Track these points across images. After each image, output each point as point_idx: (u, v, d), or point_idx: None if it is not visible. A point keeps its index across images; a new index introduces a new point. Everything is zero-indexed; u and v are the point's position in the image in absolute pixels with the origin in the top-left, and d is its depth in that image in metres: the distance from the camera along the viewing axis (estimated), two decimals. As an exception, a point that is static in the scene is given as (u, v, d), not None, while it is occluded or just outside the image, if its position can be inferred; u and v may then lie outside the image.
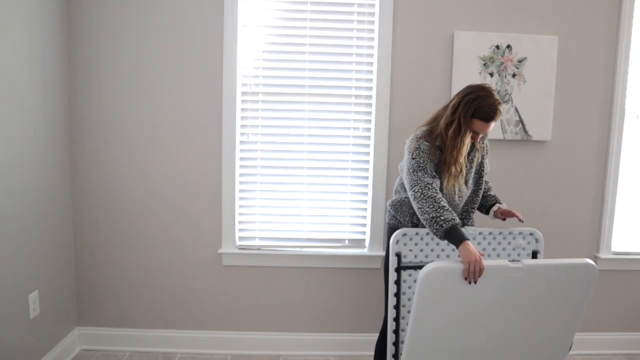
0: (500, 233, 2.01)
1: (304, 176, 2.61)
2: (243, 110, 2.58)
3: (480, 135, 1.91)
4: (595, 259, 2.69)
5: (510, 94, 2.53)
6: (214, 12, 2.47)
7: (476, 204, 2.09)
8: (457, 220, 1.69)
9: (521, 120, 2.55)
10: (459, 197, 1.97)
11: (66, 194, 2.52)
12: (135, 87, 2.51)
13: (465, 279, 1.56)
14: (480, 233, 2.00)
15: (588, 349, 2.75)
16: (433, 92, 2.55)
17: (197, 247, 2.62)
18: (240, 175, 2.61)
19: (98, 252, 2.61)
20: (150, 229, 2.60)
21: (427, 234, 1.88)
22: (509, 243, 2.01)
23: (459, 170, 1.85)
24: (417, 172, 1.81)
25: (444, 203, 1.73)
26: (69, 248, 2.57)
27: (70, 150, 2.54)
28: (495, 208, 2.08)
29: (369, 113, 2.59)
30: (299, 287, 2.66)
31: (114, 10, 2.46)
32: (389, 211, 2.10)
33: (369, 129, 2.59)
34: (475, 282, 1.55)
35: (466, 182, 2.00)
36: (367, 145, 2.60)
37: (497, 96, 1.84)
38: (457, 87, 2.50)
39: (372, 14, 2.52)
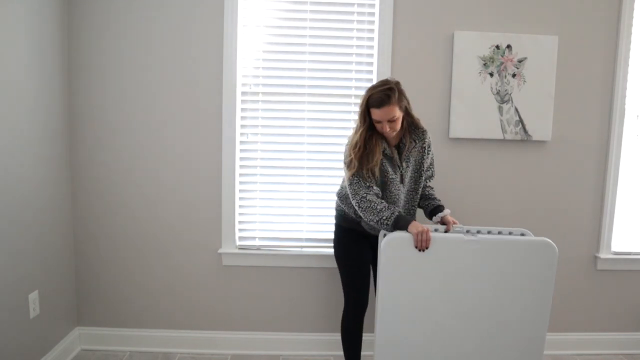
0: (489, 232, 1.98)
1: (304, 176, 2.61)
2: (243, 110, 2.58)
3: (391, 124, 1.91)
4: (595, 259, 2.70)
5: (510, 94, 2.53)
6: (214, 12, 2.48)
7: (416, 201, 2.11)
8: (396, 211, 1.90)
9: (521, 120, 2.55)
10: (395, 191, 2.02)
11: (66, 194, 2.52)
12: (135, 86, 2.51)
13: (417, 248, 1.79)
14: (467, 231, 1.97)
15: (588, 349, 2.75)
16: (433, 92, 2.55)
17: (197, 247, 2.62)
18: (240, 175, 2.61)
19: (98, 252, 2.61)
20: (150, 229, 2.60)
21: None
22: None
23: (360, 153, 1.93)
24: (353, 185, 1.97)
25: (380, 205, 1.90)
26: (69, 248, 2.57)
27: (70, 150, 2.54)
28: (442, 214, 2.06)
29: (369, 113, 2.59)
30: (299, 287, 2.66)
31: (114, 9, 2.46)
32: (336, 200, 2.22)
33: (369, 129, 2.59)
34: (424, 250, 1.80)
35: (402, 180, 2.04)
36: (367, 145, 2.60)
37: (389, 84, 1.90)
38: (457, 87, 2.51)
39: (372, 14, 2.52)
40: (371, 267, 2.25)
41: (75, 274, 2.62)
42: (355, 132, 1.99)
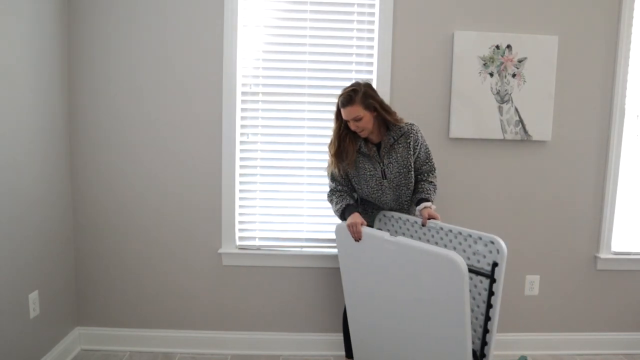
0: (460, 233, 1.91)
1: (304, 176, 2.61)
2: (243, 110, 2.58)
3: (357, 123, 2.02)
4: (595, 259, 2.70)
5: (510, 94, 2.53)
6: (214, 12, 2.48)
7: (407, 196, 2.17)
8: (344, 204, 2.13)
9: (521, 120, 2.55)
10: (375, 186, 2.14)
11: (66, 194, 2.52)
12: (135, 87, 2.51)
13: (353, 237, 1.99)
14: (441, 228, 1.97)
15: (588, 349, 2.75)
16: (433, 92, 2.55)
17: (197, 247, 2.62)
18: (240, 175, 2.61)
19: (98, 252, 2.61)
20: (150, 229, 2.60)
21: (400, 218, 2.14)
22: (470, 246, 1.88)
23: (334, 150, 2.12)
24: (329, 182, 2.23)
25: (336, 198, 2.18)
26: (69, 248, 2.57)
27: (70, 151, 2.54)
28: (419, 207, 2.07)
29: (369, 113, 2.59)
30: (299, 287, 2.66)
31: (114, 10, 2.46)
32: None
33: (369, 129, 2.59)
34: (358, 241, 1.97)
35: (384, 175, 2.12)
36: (367, 145, 2.61)
37: (356, 86, 2.03)
38: (457, 87, 2.51)
39: (372, 14, 2.52)
40: None
41: (75, 274, 2.62)
42: (333, 132, 2.15)
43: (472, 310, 1.87)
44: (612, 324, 2.76)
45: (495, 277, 1.77)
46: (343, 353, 2.56)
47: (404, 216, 2.13)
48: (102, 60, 2.49)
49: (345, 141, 2.11)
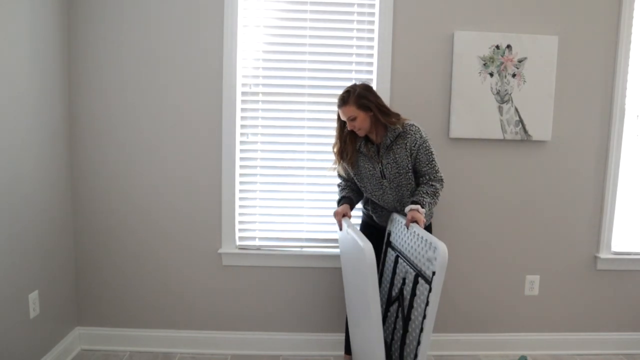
0: (422, 237, 1.82)
1: (304, 176, 2.61)
2: (243, 110, 2.58)
3: (353, 123, 2.08)
4: (595, 259, 2.70)
5: (510, 94, 2.53)
6: (214, 12, 2.48)
7: (406, 197, 2.17)
8: (341, 195, 2.29)
9: (521, 120, 2.55)
10: (376, 185, 2.19)
11: (66, 194, 2.52)
12: (135, 87, 2.51)
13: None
14: (414, 231, 1.90)
15: (588, 349, 2.75)
16: (433, 92, 2.55)
17: (197, 247, 2.62)
18: (240, 175, 2.61)
19: (98, 252, 2.61)
20: (150, 229, 2.60)
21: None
22: (426, 252, 1.75)
23: (336, 149, 2.22)
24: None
25: (339, 190, 2.33)
26: (69, 248, 2.57)
27: (70, 151, 2.54)
28: (414, 207, 1.99)
29: (369, 113, 2.59)
30: (299, 287, 2.66)
31: (114, 10, 2.46)
32: None
33: (369, 129, 2.59)
34: (340, 229, 2.17)
35: (384, 175, 2.15)
36: (367, 145, 2.61)
37: (352, 87, 2.10)
38: (457, 87, 2.51)
39: (372, 14, 2.52)
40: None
41: (75, 274, 2.62)
42: (336, 131, 2.24)
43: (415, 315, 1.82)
44: (612, 324, 2.76)
45: (432, 285, 1.66)
46: (343, 353, 2.56)
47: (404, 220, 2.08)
48: (102, 60, 2.49)
49: (345, 141, 2.19)
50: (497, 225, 2.66)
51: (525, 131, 2.55)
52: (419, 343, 1.72)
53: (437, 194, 2.10)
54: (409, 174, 2.13)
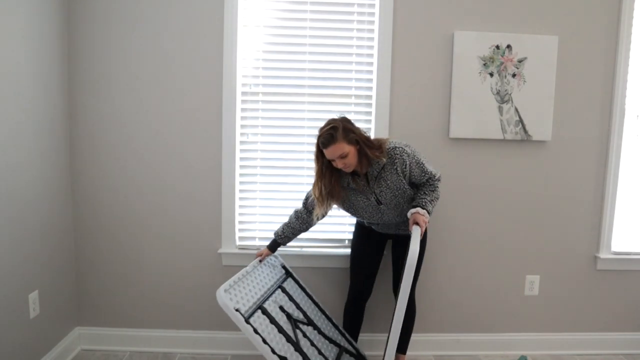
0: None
1: (304, 176, 2.61)
2: (243, 110, 2.58)
3: (344, 160, 1.98)
4: (595, 259, 2.70)
5: (510, 94, 2.53)
6: (214, 12, 2.48)
7: (407, 207, 2.13)
8: (274, 235, 2.35)
9: (521, 120, 2.55)
10: (374, 212, 2.15)
11: (66, 194, 2.52)
12: (135, 87, 2.51)
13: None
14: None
15: (588, 349, 2.75)
16: (433, 92, 2.55)
17: (197, 247, 2.62)
18: (240, 175, 2.61)
19: (98, 252, 2.61)
20: (150, 229, 2.60)
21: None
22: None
23: (319, 193, 2.09)
24: (304, 199, 2.29)
25: (287, 221, 2.34)
26: (69, 248, 2.57)
27: (70, 150, 2.54)
28: (413, 211, 2.00)
29: (369, 113, 2.59)
30: (299, 287, 2.66)
31: (114, 9, 2.46)
32: None
33: (369, 129, 2.59)
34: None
35: (379, 202, 2.10)
36: (367, 145, 2.60)
37: (333, 123, 1.97)
38: (457, 87, 2.51)
39: (372, 14, 2.52)
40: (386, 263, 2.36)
41: (75, 274, 2.62)
42: (315, 174, 2.10)
43: None
44: (612, 324, 2.76)
45: (399, 289, 1.75)
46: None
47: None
48: (102, 60, 2.49)
49: (331, 181, 2.07)
50: (497, 225, 2.66)
51: (525, 131, 2.55)
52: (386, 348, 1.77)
53: (436, 190, 2.10)
54: (407, 192, 2.09)
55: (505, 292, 2.71)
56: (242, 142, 2.60)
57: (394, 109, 2.55)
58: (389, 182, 2.06)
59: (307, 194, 2.26)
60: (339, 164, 2.00)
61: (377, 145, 2.03)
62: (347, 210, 2.20)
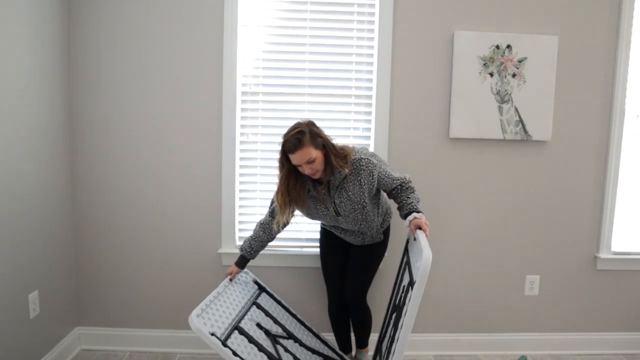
0: (420, 241, 1.83)
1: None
2: (243, 110, 2.58)
3: (311, 166, 1.93)
4: (595, 259, 2.70)
5: (510, 94, 2.53)
6: (214, 12, 2.48)
7: (370, 221, 2.11)
8: (241, 250, 2.27)
9: (521, 120, 2.55)
10: (332, 221, 2.14)
11: (66, 194, 2.52)
12: (135, 87, 2.51)
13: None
14: (414, 239, 1.94)
15: (588, 349, 2.75)
16: (433, 92, 2.55)
17: (197, 247, 2.62)
18: (240, 175, 2.61)
19: (98, 252, 2.61)
20: (150, 229, 2.60)
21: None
22: (417, 262, 1.76)
23: (282, 200, 2.05)
24: (268, 211, 2.23)
25: (252, 234, 2.25)
26: (69, 248, 2.57)
27: (70, 150, 2.54)
28: (410, 218, 1.95)
29: (369, 113, 2.59)
30: (299, 287, 2.66)
31: (114, 9, 2.46)
32: None
33: (369, 129, 2.59)
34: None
35: (337, 213, 2.08)
36: (367, 146, 2.60)
37: (300, 127, 1.92)
38: (457, 87, 2.51)
39: (372, 14, 2.52)
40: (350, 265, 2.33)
41: (75, 274, 2.62)
42: (279, 180, 2.05)
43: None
44: (612, 324, 2.76)
45: (411, 295, 1.62)
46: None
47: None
48: (101, 60, 2.49)
49: (296, 188, 2.03)
50: (497, 225, 2.66)
51: (525, 131, 2.55)
52: (393, 353, 1.66)
53: (414, 191, 2.06)
54: (366, 209, 2.05)
55: (505, 292, 2.71)
56: (242, 142, 2.60)
57: (394, 109, 2.55)
58: (350, 193, 2.02)
59: (272, 201, 2.17)
60: (306, 170, 1.94)
61: (342, 155, 1.99)
62: (308, 216, 2.16)
